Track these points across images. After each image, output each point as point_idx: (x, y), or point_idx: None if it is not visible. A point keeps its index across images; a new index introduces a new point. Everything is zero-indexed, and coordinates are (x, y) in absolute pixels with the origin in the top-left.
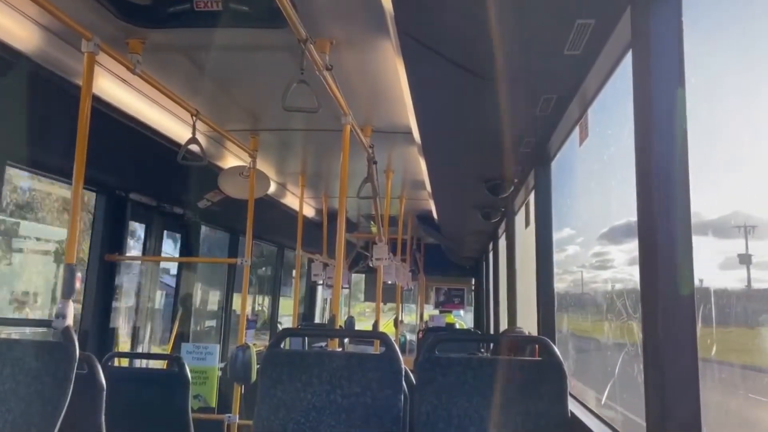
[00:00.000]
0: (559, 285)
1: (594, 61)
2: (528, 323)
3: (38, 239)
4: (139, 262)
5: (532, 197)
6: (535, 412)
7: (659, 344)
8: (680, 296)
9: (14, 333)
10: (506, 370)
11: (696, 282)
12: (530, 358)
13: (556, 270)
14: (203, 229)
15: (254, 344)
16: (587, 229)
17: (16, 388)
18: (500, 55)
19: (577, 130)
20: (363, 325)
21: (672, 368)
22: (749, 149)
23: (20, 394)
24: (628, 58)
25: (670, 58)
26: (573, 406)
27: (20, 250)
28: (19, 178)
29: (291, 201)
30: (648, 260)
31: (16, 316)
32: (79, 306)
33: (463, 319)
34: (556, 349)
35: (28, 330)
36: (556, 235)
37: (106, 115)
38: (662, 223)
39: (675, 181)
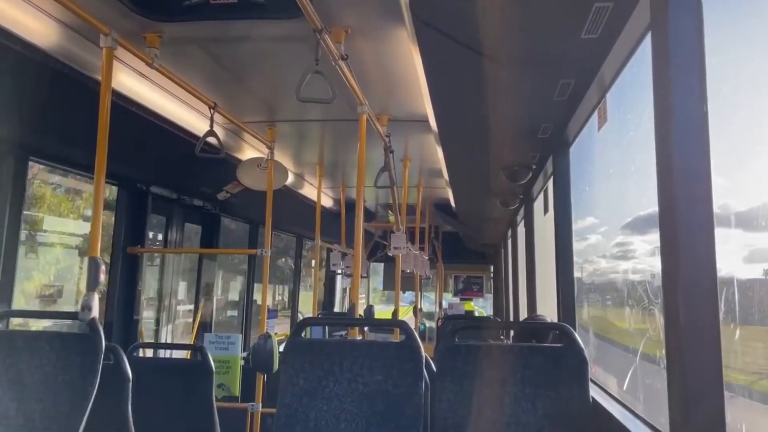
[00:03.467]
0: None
1: (612, 44)
2: (547, 310)
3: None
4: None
5: (550, 183)
6: (556, 399)
7: (681, 335)
8: (702, 286)
9: (41, 325)
10: (527, 356)
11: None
12: (551, 344)
13: (578, 259)
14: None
15: (275, 333)
16: (610, 218)
17: (45, 379)
18: (517, 40)
19: (595, 115)
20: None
21: (695, 360)
22: None
23: (49, 385)
24: (647, 41)
25: (689, 41)
26: (594, 392)
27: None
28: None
29: (309, 191)
30: (669, 249)
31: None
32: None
33: (483, 307)
34: (577, 336)
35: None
36: (578, 225)
37: (126, 109)
38: (683, 210)
39: (696, 167)
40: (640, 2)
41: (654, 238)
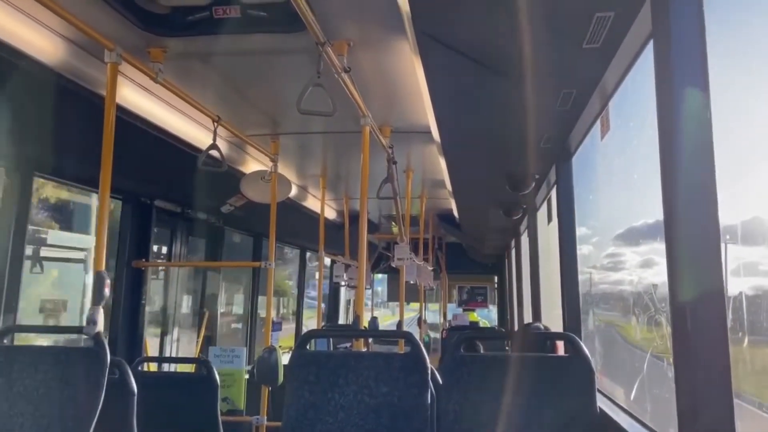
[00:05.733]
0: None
1: (614, 54)
2: (551, 320)
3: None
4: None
5: (554, 193)
6: (563, 409)
7: (689, 344)
8: (709, 295)
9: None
10: (533, 367)
11: None
12: (557, 355)
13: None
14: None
15: (280, 346)
16: (606, 228)
17: (50, 394)
18: (518, 51)
19: (598, 124)
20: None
21: (703, 369)
22: None
23: (54, 400)
24: (649, 50)
25: (691, 49)
26: (601, 403)
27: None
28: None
29: (312, 203)
30: (675, 258)
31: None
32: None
33: (487, 317)
34: (583, 345)
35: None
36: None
37: (130, 123)
38: (689, 219)
39: (700, 175)
40: (641, 11)
41: (645, 249)
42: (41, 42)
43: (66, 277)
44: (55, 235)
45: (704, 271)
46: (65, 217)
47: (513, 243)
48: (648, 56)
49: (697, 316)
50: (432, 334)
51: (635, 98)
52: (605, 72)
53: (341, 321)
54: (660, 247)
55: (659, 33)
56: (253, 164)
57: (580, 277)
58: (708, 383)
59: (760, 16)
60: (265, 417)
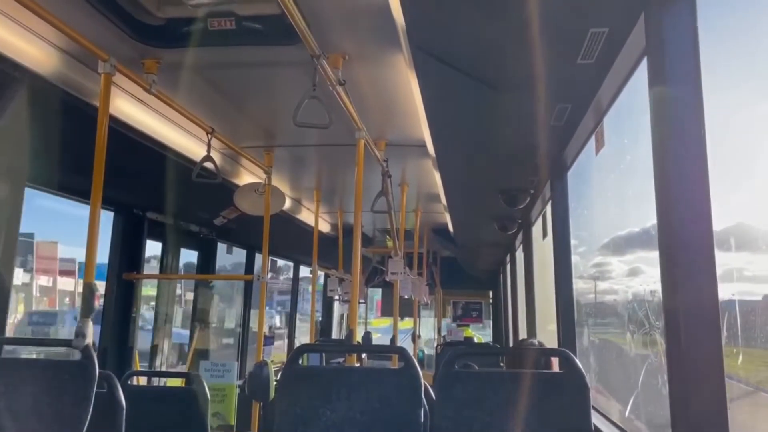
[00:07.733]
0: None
1: (608, 69)
2: (546, 336)
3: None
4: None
5: (548, 208)
6: (557, 426)
7: (683, 354)
8: (703, 304)
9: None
10: (527, 383)
11: None
12: (551, 371)
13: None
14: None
15: (272, 361)
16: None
17: (37, 408)
18: (513, 66)
19: (593, 139)
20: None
21: (697, 378)
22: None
23: (41, 414)
24: (644, 65)
25: (685, 64)
26: (596, 419)
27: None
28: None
29: (306, 216)
30: (669, 268)
31: None
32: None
33: (482, 332)
34: (578, 362)
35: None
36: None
37: (123, 134)
38: (683, 230)
39: (695, 188)
40: (635, 27)
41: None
42: (35, 52)
43: None
44: None
45: (698, 278)
46: None
47: (508, 258)
48: (642, 72)
49: (691, 322)
50: (426, 350)
51: (630, 113)
52: (600, 87)
53: (334, 335)
54: (644, 254)
55: (653, 49)
56: (247, 176)
57: (584, 286)
58: (702, 388)
59: (756, 27)
60: None
